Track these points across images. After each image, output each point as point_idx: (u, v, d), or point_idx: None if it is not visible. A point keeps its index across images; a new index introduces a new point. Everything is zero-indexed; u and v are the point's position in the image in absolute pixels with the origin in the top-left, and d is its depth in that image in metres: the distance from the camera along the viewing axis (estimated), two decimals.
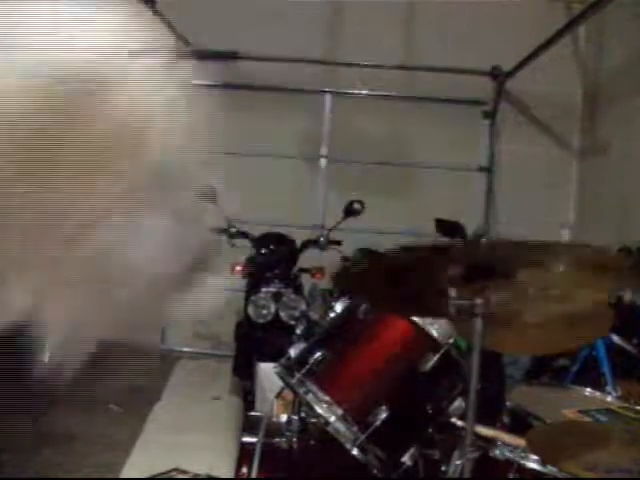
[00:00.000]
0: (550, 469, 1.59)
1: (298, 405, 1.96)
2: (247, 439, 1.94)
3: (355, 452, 1.64)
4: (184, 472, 2.90)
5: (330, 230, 4.20)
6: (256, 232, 4.26)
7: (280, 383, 1.93)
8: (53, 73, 0.69)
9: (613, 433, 1.59)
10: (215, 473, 2.90)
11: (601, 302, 1.51)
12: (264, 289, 3.75)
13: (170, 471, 2.91)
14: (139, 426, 3.67)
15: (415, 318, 1.73)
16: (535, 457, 1.63)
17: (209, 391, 4.44)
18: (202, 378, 4.94)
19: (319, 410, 1.67)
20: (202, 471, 2.92)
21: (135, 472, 3.03)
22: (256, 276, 4.01)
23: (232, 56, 5.94)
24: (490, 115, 5.91)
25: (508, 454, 1.69)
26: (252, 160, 5.93)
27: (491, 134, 5.94)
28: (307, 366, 1.73)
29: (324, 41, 5.90)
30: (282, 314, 3.67)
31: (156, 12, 5.02)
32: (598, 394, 2.22)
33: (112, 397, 4.31)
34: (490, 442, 1.71)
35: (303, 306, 3.65)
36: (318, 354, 1.75)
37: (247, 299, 3.83)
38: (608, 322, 2.25)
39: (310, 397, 1.70)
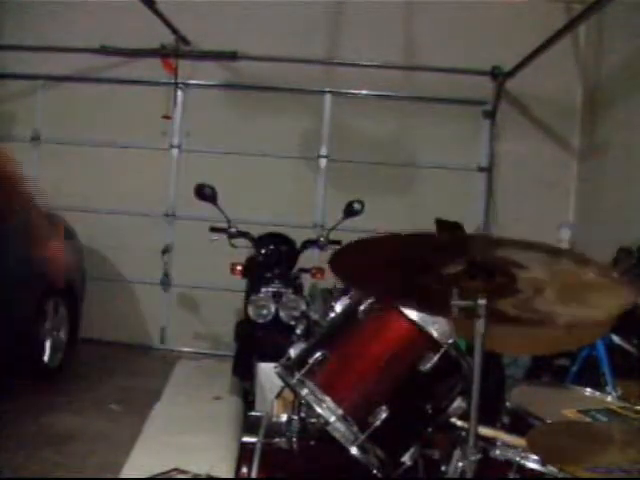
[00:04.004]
0: (550, 469, 1.59)
1: (298, 405, 1.96)
2: (247, 439, 1.93)
3: (355, 452, 1.63)
4: (184, 472, 2.91)
5: (330, 230, 4.20)
6: (256, 232, 4.27)
7: (280, 383, 1.92)
8: None
9: (613, 433, 1.59)
10: (215, 473, 2.90)
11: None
12: (264, 289, 3.75)
13: (170, 471, 2.91)
14: (139, 426, 3.68)
15: (415, 317, 1.73)
16: (535, 457, 1.63)
17: (209, 391, 4.44)
18: (202, 378, 4.94)
19: (319, 410, 1.67)
20: (202, 471, 2.93)
21: (135, 472, 3.03)
22: (256, 276, 4.01)
23: (232, 56, 5.95)
24: (490, 115, 5.91)
25: (508, 454, 1.69)
26: (252, 160, 5.94)
27: (491, 134, 5.95)
28: (307, 366, 1.73)
29: (324, 41, 5.90)
30: (282, 314, 3.67)
31: (156, 12, 5.04)
32: (598, 394, 2.22)
33: (112, 397, 4.31)
34: (490, 442, 1.71)
35: (303, 306, 3.64)
36: (318, 354, 1.74)
37: (247, 299, 3.83)
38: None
39: (310, 397, 1.70)
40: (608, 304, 1.43)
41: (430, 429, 1.77)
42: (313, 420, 1.89)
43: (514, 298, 1.49)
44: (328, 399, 1.68)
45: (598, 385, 3.21)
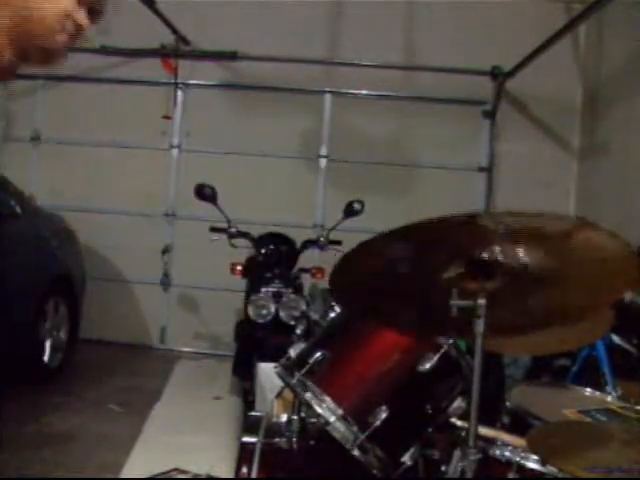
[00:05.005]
0: (550, 469, 1.58)
1: (298, 405, 1.96)
2: (247, 439, 1.93)
3: (355, 452, 1.63)
4: (184, 472, 2.91)
5: (330, 230, 4.20)
6: (256, 232, 4.27)
7: (280, 383, 1.92)
8: None
9: (613, 433, 1.59)
10: (215, 473, 2.90)
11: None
12: (264, 289, 3.75)
13: (170, 471, 2.91)
14: (139, 426, 3.68)
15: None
16: (535, 457, 1.63)
17: (209, 391, 4.44)
18: (202, 378, 4.94)
19: (319, 410, 1.67)
20: (202, 471, 2.93)
21: (135, 472, 3.04)
22: (256, 276, 4.01)
23: (232, 56, 5.95)
24: (490, 115, 5.91)
25: (508, 454, 1.69)
26: (252, 160, 5.94)
27: (491, 134, 5.95)
28: (307, 366, 1.73)
29: (324, 41, 5.90)
30: (282, 314, 3.67)
31: (156, 12, 5.04)
32: (598, 394, 2.22)
33: (112, 397, 4.31)
34: (490, 442, 1.71)
35: (303, 306, 3.65)
36: (318, 354, 1.74)
37: (247, 299, 3.83)
38: (608, 322, 2.25)
39: (310, 397, 1.70)
40: (619, 280, 1.42)
41: (430, 429, 1.77)
42: (313, 420, 1.89)
43: (517, 297, 1.49)
44: (328, 399, 1.67)
45: (598, 385, 3.20)
